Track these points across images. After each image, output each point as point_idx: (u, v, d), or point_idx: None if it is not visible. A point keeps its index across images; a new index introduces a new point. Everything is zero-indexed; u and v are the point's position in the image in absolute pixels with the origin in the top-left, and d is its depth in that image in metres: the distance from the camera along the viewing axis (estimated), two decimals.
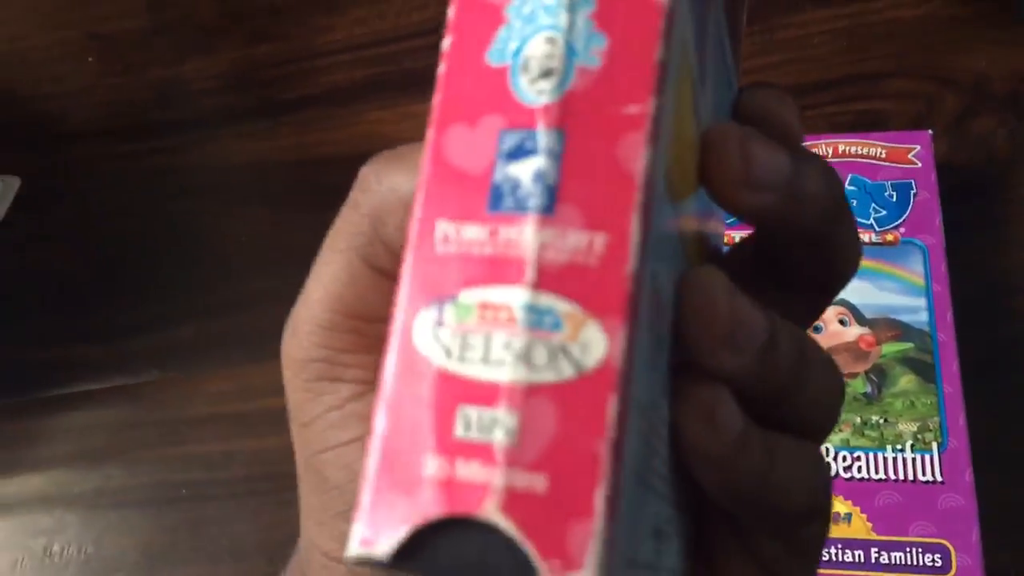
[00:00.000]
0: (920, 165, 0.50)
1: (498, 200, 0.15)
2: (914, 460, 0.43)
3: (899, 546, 0.42)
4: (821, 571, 0.42)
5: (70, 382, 0.58)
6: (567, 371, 0.14)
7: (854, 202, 0.50)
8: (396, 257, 0.20)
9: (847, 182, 0.51)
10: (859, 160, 0.51)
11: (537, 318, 0.14)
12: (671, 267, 0.16)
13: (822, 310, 0.22)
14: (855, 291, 0.48)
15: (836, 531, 0.43)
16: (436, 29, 0.65)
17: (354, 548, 0.14)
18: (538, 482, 0.13)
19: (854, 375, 0.46)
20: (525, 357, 0.14)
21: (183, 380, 0.57)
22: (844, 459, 0.44)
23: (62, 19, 0.72)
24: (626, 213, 0.14)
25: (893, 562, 0.42)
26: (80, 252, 0.63)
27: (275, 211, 0.62)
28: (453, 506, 0.13)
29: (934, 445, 0.44)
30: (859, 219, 0.49)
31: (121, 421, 0.57)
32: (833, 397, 0.20)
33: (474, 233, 0.15)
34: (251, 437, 0.54)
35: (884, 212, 0.49)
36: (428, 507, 0.14)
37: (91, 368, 0.59)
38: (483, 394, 0.14)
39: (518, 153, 0.15)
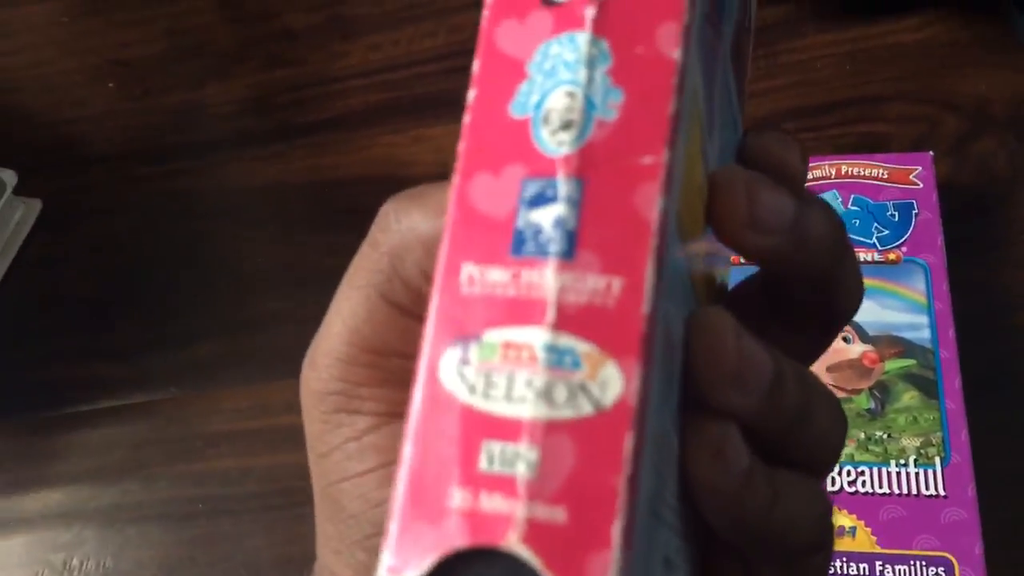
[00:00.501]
0: (922, 186, 0.51)
1: (520, 245, 0.15)
2: (917, 475, 0.43)
3: (903, 559, 0.42)
4: None
5: (89, 399, 0.59)
6: (586, 408, 0.14)
7: (856, 222, 0.50)
8: (414, 294, 0.21)
9: (850, 203, 0.51)
10: (861, 181, 0.51)
11: (557, 357, 0.14)
12: (681, 305, 0.17)
13: (826, 346, 0.23)
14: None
15: (841, 544, 0.43)
16: (447, 56, 0.65)
17: None
18: (558, 514, 0.14)
19: (858, 391, 0.46)
20: (546, 395, 0.14)
21: (200, 397, 0.57)
22: (848, 474, 0.44)
23: (83, 45, 0.73)
24: (642, 258, 0.15)
25: (897, 575, 0.42)
26: (100, 272, 0.63)
27: (290, 232, 0.62)
28: (477, 537, 0.14)
29: (937, 460, 0.44)
30: (862, 238, 0.50)
31: (139, 437, 0.57)
32: (836, 435, 0.20)
33: (498, 276, 0.15)
34: (266, 453, 0.54)
35: (886, 232, 0.50)
36: (453, 537, 0.14)
37: (110, 386, 0.59)
38: (506, 429, 0.14)
39: (539, 200, 0.15)
